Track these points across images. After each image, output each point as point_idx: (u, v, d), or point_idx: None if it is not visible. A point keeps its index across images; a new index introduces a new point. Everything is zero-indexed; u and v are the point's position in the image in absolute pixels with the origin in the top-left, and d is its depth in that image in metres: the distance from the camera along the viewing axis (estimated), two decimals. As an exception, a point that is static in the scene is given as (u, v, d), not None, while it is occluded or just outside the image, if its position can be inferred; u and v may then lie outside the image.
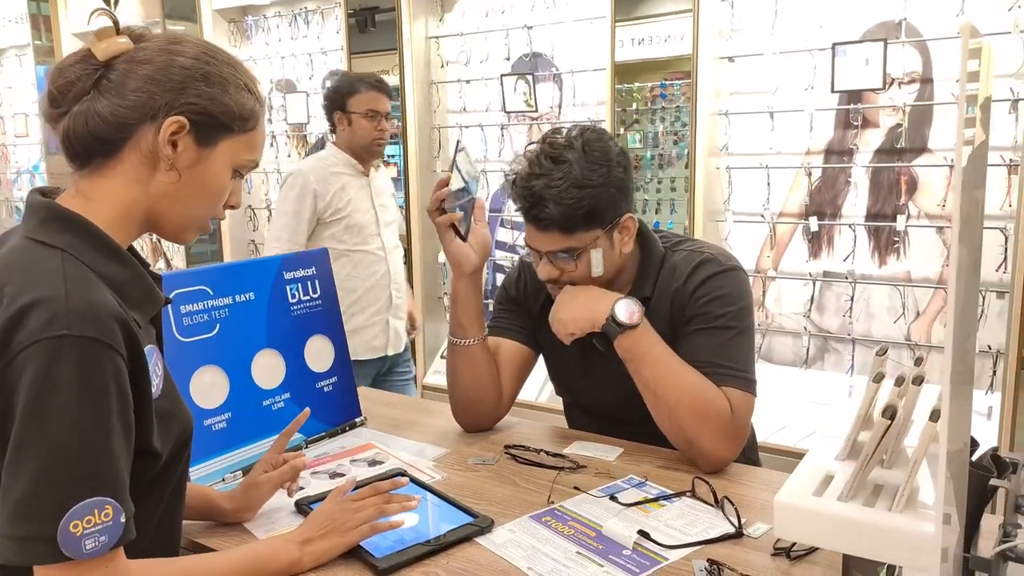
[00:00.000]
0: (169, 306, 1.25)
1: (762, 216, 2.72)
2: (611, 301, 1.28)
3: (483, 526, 1.07)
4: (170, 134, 0.88)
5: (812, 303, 2.68)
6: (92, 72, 0.88)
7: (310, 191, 2.40)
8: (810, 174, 2.61)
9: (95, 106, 0.87)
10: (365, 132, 2.46)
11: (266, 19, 3.79)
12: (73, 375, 0.78)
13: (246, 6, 3.80)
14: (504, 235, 3.25)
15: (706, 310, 1.32)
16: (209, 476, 1.25)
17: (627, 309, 1.27)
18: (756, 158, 2.68)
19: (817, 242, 2.66)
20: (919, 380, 0.61)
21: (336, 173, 2.45)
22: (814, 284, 2.66)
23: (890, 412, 0.58)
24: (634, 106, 2.85)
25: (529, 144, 1.34)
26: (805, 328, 2.70)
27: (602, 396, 1.45)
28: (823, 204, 2.62)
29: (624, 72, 2.84)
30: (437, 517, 1.11)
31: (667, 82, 2.83)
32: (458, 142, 1.46)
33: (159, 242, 4.38)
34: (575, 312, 1.31)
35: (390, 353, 2.57)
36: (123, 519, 0.81)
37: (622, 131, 2.88)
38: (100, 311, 0.81)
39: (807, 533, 0.60)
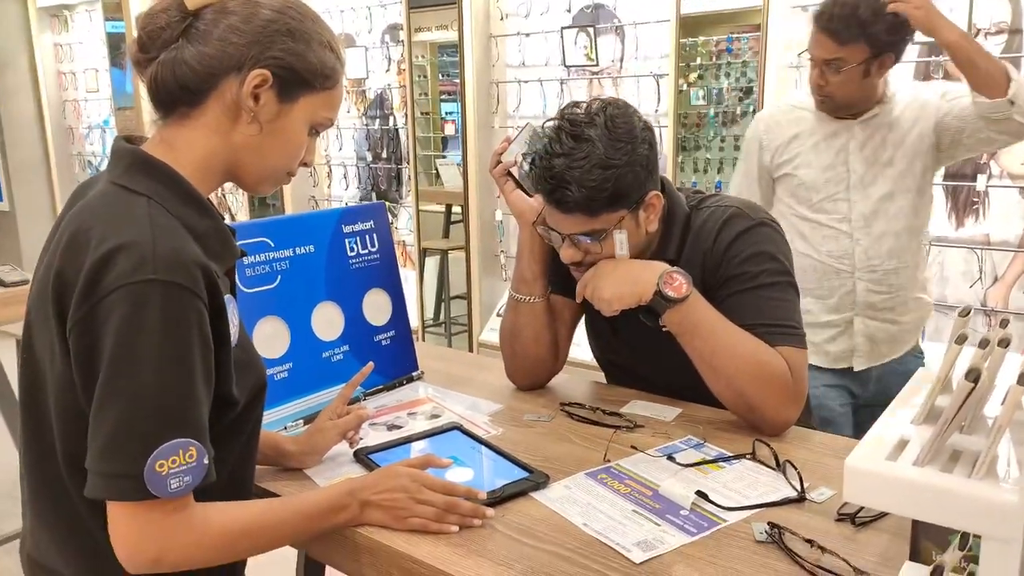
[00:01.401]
0: (233, 257, 1.28)
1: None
2: (656, 273, 1.21)
3: (539, 481, 1.07)
4: (253, 87, 0.89)
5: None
6: (181, 20, 0.88)
7: (756, 141, 1.88)
8: (884, 130, 2.49)
9: (183, 55, 0.88)
10: (810, 77, 1.80)
11: (326, -27, 3.78)
12: (159, 319, 0.80)
13: (306, -40, 3.79)
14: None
15: (743, 269, 1.26)
16: (271, 424, 1.28)
17: (674, 281, 1.21)
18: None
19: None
20: (1005, 343, 0.57)
21: (794, 118, 1.84)
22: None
23: (974, 375, 0.55)
24: (698, 60, 2.76)
25: (546, 121, 1.26)
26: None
27: (641, 366, 1.43)
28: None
29: (690, 25, 2.74)
30: (493, 471, 1.12)
31: (734, 36, 2.72)
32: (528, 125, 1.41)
33: (224, 196, 4.48)
34: (619, 288, 1.23)
35: (857, 368, 1.84)
36: (206, 460, 0.84)
37: (685, 87, 2.79)
38: (185, 258, 0.83)
39: (879, 499, 0.57)
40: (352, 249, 1.45)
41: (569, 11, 3.03)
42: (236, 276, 1.02)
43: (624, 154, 1.20)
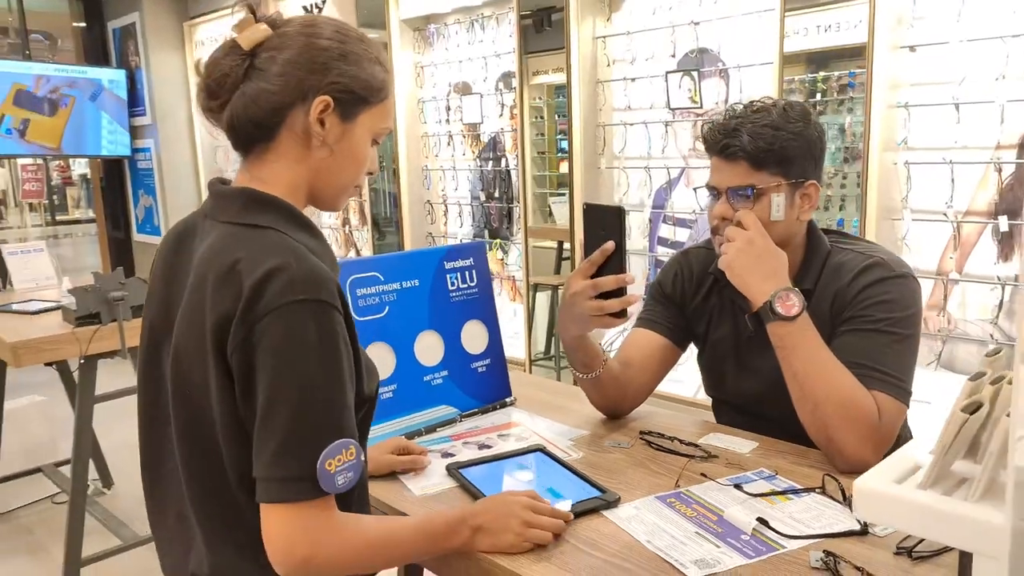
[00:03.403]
0: (348, 287, 1.45)
1: (945, 215, 2.55)
2: (776, 286, 1.28)
3: (610, 500, 1.16)
4: (318, 113, 0.95)
5: (1000, 309, 2.48)
6: (241, 62, 0.94)
7: None
8: (1000, 170, 2.41)
9: (251, 95, 0.94)
10: None
11: (446, 26, 4.04)
12: (313, 335, 0.87)
13: (429, 15, 4.08)
14: (666, 231, 3.27)
15: (867, 313, 1.31)
16: (376, 439, 1.42)
17: (788, 300, 1.27)
18: (939, 152, 2.52)
19: (1008, 243, 2.46)
20: (999, 380, 0.62)
21: None
22: (1003, 289, 2.47)
23: (971, 407, 0.61)
24: (817, 96, 2.75)
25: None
26: (992, 336, 2.51)
27: (746, 385, 1.48)
28: (1015, 202, 2.41)
29: (794, 64, 2.78)
30: (568, 490, 1.21)
31: (857, 71, 2.73)
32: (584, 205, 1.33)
33: (350, 233, 4.81)
34: (745, 269, 1.30)
35: None
36: (362, 457, 0.92)
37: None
38: (324, 276, 0.90)
39: (884, 516, 0.63)
40: (453, 284, 1.59)
41: (674, 56, 3.11)
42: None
43: (797, 127, 1.32)
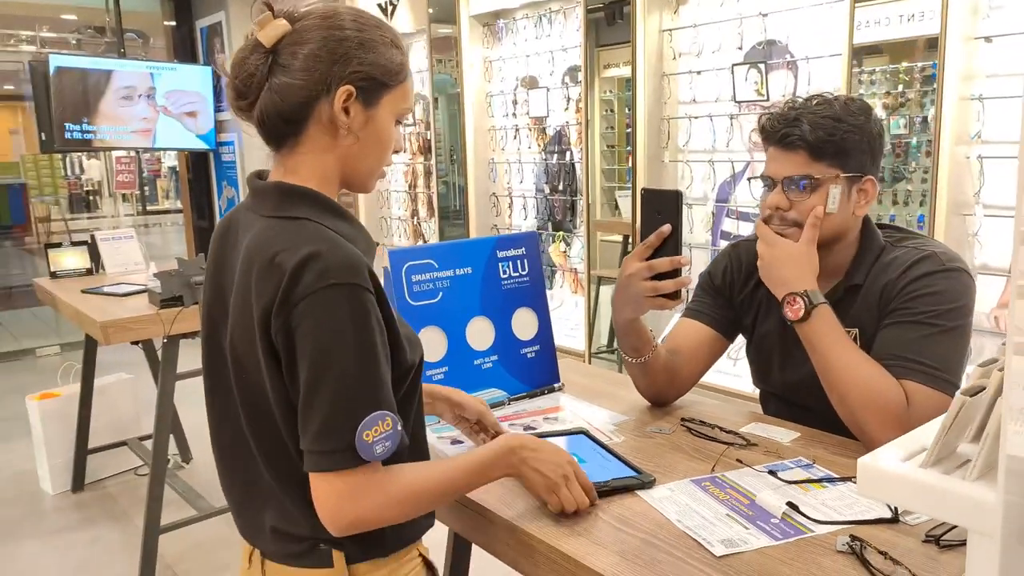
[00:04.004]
0: (403, 273, 1.52)
1: (1020, 210, 2.47)
2: (786, 291, 1.33)
3: (645, 481, 1.20)
4: (342, 102, 0.99)
5: (1078, 309, 2.39)
6: (264, 60, 0.98)
7: None
8: (1080, 164, 2.32)
9: (278, 92, 0.98)
10: None
11: (515, 21, 4.10)
12: (348, 318, 0.93)
13: (498, 10, 4.14)
14: (729, 225, 3.26)
15: (910, 305, 1.31)
16: (430, 418, 1.49)
17: (793, 304, 1.32)
18: (1014, 146, 2.44)
19: (1087, 241, 2.36)
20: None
21: None
22: (1081, 288, 2.37)
23: (971, 391, 0.63)
24: (900, 88, 2.69)
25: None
26: (1068, 337, 2.41)
27: (790, 377, 1.49)
28: (1096, 198, 2.31)
29: (872, 55, 2.72)
30: (606, 469, 1.25)
31: (918, 64, 2.65)
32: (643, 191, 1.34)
33: (418, 224, 4.93)
34: (768, 273, 1.36)
35: None
36: (399, 427, 0.96)
37: (886, 116, 2.74)
38: (356, 261, 0.95)
39: (885, 494, 0.66)
40: (505, 272, 1.65)
41: (741, 48, 3.09)
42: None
43: (857, 121, 1.33)
